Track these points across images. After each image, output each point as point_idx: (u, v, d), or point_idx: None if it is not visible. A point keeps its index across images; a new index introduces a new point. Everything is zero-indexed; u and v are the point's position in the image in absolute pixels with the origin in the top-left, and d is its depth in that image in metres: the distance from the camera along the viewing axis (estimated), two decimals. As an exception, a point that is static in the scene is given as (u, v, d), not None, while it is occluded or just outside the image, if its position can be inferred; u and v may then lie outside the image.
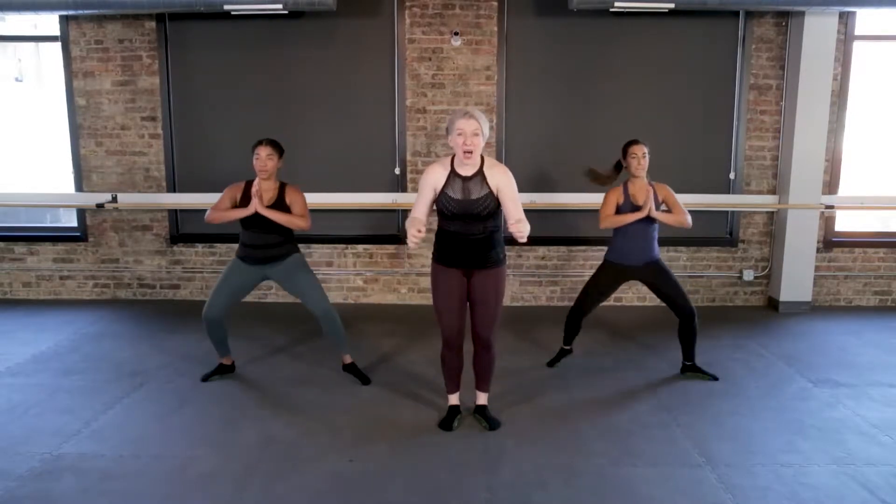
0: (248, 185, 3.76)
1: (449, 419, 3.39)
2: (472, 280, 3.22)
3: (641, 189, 3.86)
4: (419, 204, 3.15)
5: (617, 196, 3.89)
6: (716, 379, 4.01)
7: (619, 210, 3.87)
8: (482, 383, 3.42)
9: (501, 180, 3.09)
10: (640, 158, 3.83)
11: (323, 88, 5.48)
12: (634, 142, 3.88)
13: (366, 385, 3.95)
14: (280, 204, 3.73)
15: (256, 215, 3.66)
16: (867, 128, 5.62)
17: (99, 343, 4.65)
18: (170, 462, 3.04)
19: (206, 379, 3.98)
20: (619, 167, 4.00)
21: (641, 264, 3.93)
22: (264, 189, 3.73)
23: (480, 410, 3.43)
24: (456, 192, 3.09)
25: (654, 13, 5.24)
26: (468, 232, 3.12)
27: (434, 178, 3.11)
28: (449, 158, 3.15)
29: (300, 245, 4.00)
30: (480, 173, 3.09)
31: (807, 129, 5.29)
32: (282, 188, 3.78)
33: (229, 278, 3.82)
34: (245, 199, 3.72)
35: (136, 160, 5.63)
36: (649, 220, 3.83)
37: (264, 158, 3.68)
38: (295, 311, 5.42)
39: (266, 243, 3.77)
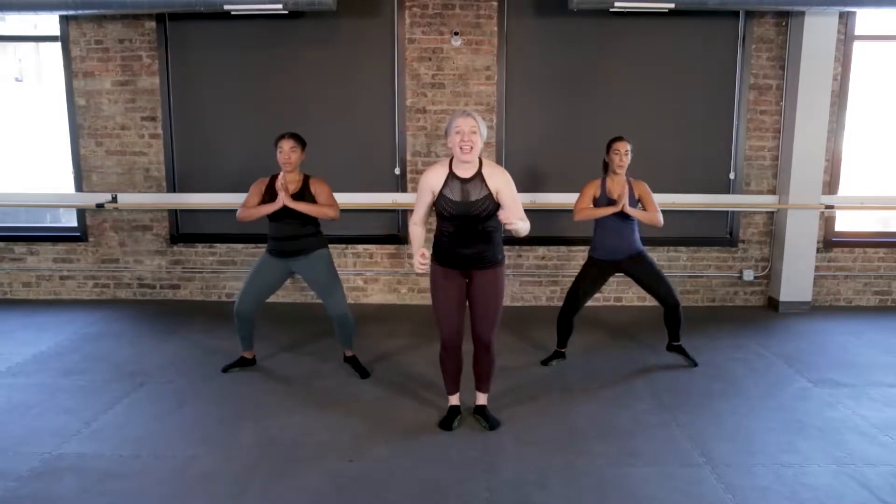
0: (273, 179, 3.79)
1: (449, 419, 3.39)
2: (472, 281, 3.22)
3: (619, 185, 3.96)
4: (418, 208, 3.20)
5: (594, 190, 4.01)
6: (695, 364, 4.17)
7: (596, 204, 3.99)
8: (482, 384, 3.42)
9: (501, 182, 3.10)
10: (623, 155, 3.92)
11: (323, 88, 5.48)
12: (619, 138, 3.98)
13: (364, 378, 4.00)
14: (305, 196, 3.77)
15: (284, 208, 3.70)
16: (867, 128, 5.62)
17: (99, 343, 4.65)
18: (170, 462, 3.04)
19: (226, 370, 4.06)
20: (606, 167, 4.09)
21: (625, 258, 4.03)
22: (288, 181, 3.76)
23: (480, 410, 3.43)
24: (455, 195, 3.09)
25: (654, 13, 5.24)
26: (467, 233, 3.13)
27: (432, 180, 3.12)
28: (447, 161, 3.15)
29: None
30: (479, 175, 3.09)
31: (807, 129, 5.29)
32: (305, 180, 3.82)
33: (259, 273, 3.88)
34: (270, 193, 3.75)
35: (136, 160, 5.63)
36: (625, 215, 3.91)
37: (287, 152, 3.71)
38: (297, 311, 5.43)
39: (294, 234, 3.81)
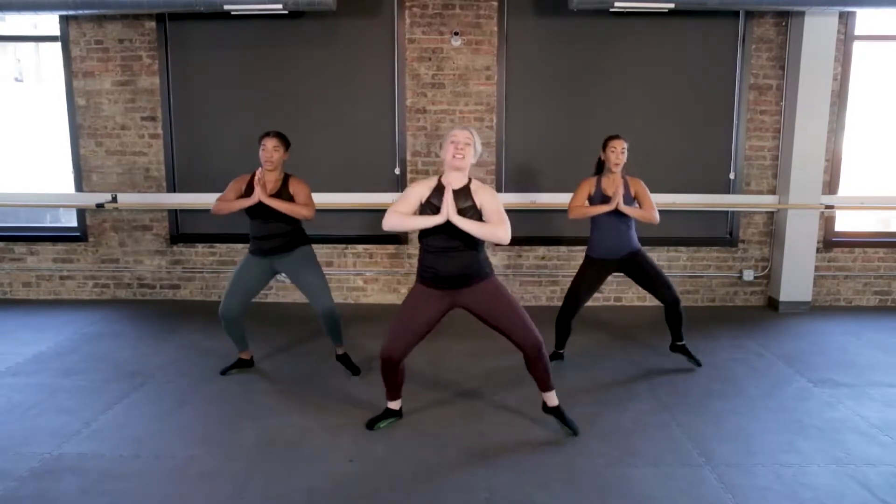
0: (254, 176, 3.79)
1: (377, 419, 3.38)
2: (465, 303, 3.17)
3: (614, 183, 3.95)
4: (402, 205, 3.09)
5: (589, 188, 4.00)
6: (699, 365, 4.13)
7: (591, 202, 3.98)
8: (546, 385, 3.30)
9: (485, 197, 3.09)
10: (619, 153, 3.91)
11: (323, 88, 5.48)
12: (615, 136, 3.97)
13: (355, 375, 4.01)
14: (283, 195, 3.77)
15: (260, 205, 3.70)
16: (867, 128, 5.62)
17: (99, 343, 4.65)
18: (170, 462, 3.04)
19: (224, 372, 4.05)
20: (600, 166, 4.08)
21: (622, 256, 4.00)
22: (268, 180, 3.78)
23: (556, 412, 3.32)
24: (440, 202, 3.06)
25: (654, 13, 5.25)
26: (449, 246, 3.09)
27: (420, 189, 3.14)
28: (436, 177, 3.18)
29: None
30: (467, 189, 3.11)
31: (807, 129, 5.30)
32: (286, 179, 3.82)
33: (241, 275, 3.87)
34: (250, 190, 3.75)
35: (136, 160, 5.63)
36: (621, 213, 3.89)
37: (270, 150, 3.72)
38: (295, 311, 5.43)
39: (272, 233, 3.81)
